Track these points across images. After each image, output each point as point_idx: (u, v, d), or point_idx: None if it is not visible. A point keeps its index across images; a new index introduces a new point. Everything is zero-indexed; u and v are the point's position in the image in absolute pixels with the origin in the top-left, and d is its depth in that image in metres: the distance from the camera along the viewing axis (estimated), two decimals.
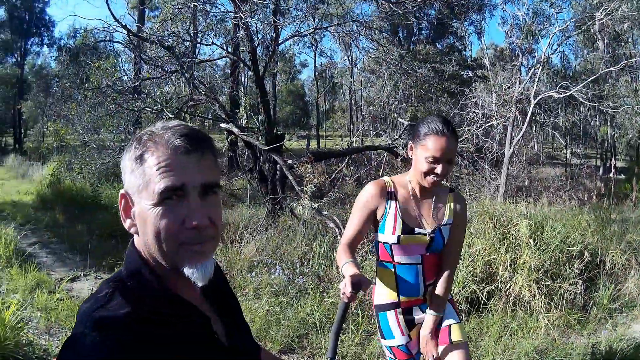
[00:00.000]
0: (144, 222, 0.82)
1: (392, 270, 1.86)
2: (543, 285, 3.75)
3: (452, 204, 1.90)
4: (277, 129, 6.04)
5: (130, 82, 6.86)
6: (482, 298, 3.68)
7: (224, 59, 8.92)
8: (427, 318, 1.87)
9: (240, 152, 9.25)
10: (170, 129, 0.83)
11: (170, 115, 5.71)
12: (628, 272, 4.22)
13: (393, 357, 1.90)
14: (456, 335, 1.86)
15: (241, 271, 4.23)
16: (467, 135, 7.31)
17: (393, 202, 1.84)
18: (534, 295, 3.67)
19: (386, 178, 1.91)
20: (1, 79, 29.14)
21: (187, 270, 0.81)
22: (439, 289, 1.87)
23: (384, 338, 1.93)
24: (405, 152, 1.97)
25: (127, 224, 0.86)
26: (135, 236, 0.87)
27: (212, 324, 0.89)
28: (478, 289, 3.70)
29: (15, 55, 30.73)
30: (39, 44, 31.78)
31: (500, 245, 4.02)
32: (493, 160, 8.43)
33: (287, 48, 20.32)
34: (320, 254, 4.20)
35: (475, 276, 3.79)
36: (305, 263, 4.20)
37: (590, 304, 3.83)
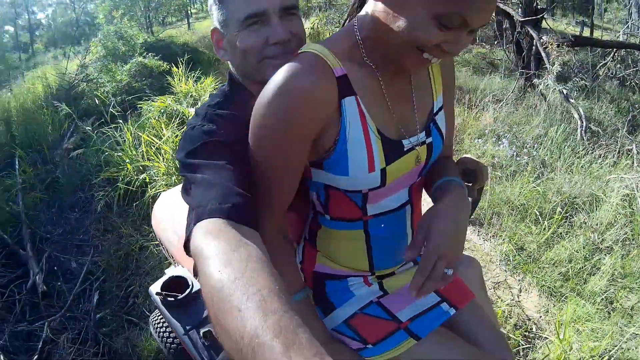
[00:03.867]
0: (233, 47, 0.93)
1: (362, 231, 0.98)
2: None
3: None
4: (537, 2, 5.25)
5: None
6: None
7: None
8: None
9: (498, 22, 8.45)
10: None
11: None
12: None
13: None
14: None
15: (470, 135, 4.36)
16: None
17: (353, 99, 0.80)
18: None
19: (315, 47, 0.79)
20: None
21: None
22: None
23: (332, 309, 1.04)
24: None
25: (220, 54, 0.99)
26: (230, 63, 1.01)
27: None
28: None
29: None
30: None
31: None
32: None
33: None
34: (554, 141, 4.00)
35: None
36: (536, 146, 4.07)
37: None
